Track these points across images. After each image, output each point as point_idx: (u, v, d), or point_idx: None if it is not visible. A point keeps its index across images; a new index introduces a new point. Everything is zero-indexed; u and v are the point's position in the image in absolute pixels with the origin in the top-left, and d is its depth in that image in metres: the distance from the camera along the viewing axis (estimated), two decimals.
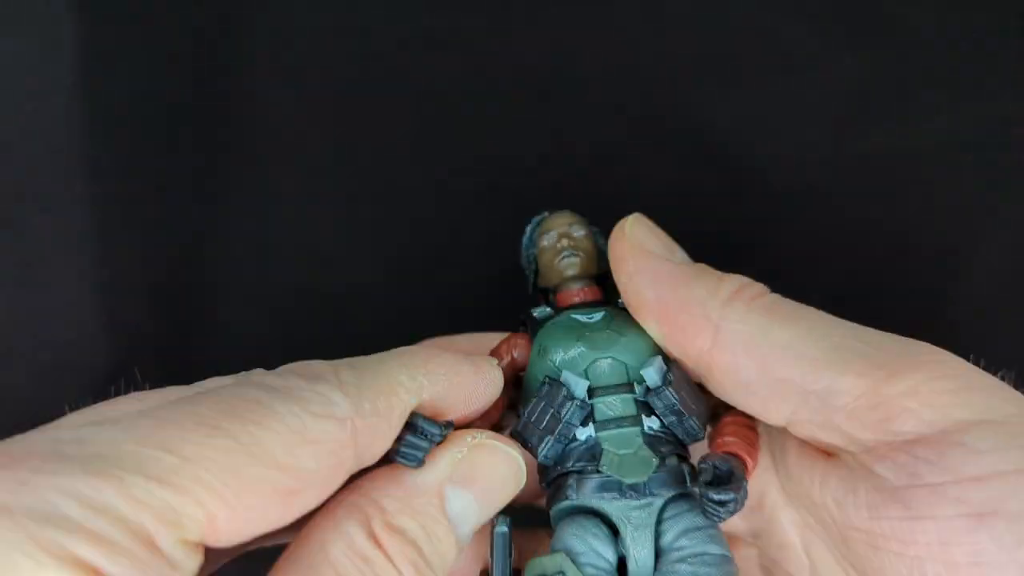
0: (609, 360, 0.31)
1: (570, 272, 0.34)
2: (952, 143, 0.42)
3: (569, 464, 0.30)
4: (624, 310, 0.32)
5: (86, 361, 0.40)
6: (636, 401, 0.31)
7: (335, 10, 0.33)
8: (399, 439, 0.27)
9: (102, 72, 0.40)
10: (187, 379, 0.41)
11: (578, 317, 0.32)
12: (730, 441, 0.30)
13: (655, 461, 0.29)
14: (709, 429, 0.32)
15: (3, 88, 0.39)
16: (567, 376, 0.31)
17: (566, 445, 0.30)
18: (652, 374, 0.30)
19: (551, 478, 0.30)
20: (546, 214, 0.36)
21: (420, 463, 0.27)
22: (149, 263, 0.41)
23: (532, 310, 0.34)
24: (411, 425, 0.27)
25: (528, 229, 0.36)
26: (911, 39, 0.38)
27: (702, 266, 0.31)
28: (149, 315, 0.40)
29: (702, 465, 0.29)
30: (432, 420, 0.28)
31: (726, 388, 0.30)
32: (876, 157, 0.42)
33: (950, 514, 0.25)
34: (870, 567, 0.28)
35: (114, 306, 0.40)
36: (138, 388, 0.40)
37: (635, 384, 0.31)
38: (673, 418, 0.30)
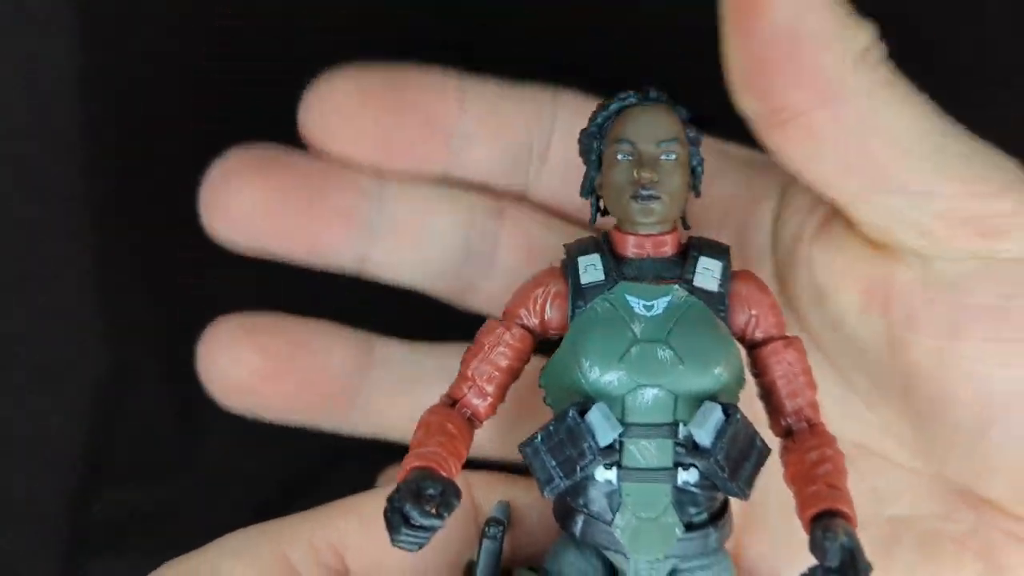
0: (656, 391, 0.25)
1: (642, 220, 0.26)
2: None
3: (580, 501, 0.26)
4: (698, 292, 0.25)
5: (86, 361, 0.40)
6: (676, 447, 0.25)
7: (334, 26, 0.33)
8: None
9: (102, 72, 0.40)
10: (186, 379, 0.41)
11: (632, 303, 0.25)
12: (825, 493, 0.24)
13: (678, 531, 0.25)
14: (779, 443, 0.27)
15: (3, 88, 0.39)
16: (595, 418, 0.24)
17: (579, 481, 0.25)
18: (703, 436, 0.24)
19: (556, 492, 0.25)
20: (632, 100, 0.26)
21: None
22: (149, 263, 0.40)
23: (578, 257, 0.26)
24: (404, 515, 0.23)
25: (599, 115, 0.26)
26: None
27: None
28: (149, 315, 0.40)
29: (828, 545, 0.22)
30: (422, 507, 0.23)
31: (798, 152, 0.25)
32: None
33: None
34: (926, 375, 0.27)
35: (114, 306, 0.40)
36: (138, 388, 0.40)
37: (680, 423, 0.25)
38: (717, 481, 0.25)
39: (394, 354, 0.32)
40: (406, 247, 0.31)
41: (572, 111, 0.31)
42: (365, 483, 0.39)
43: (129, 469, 0.40)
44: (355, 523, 0.29)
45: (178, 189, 0.40)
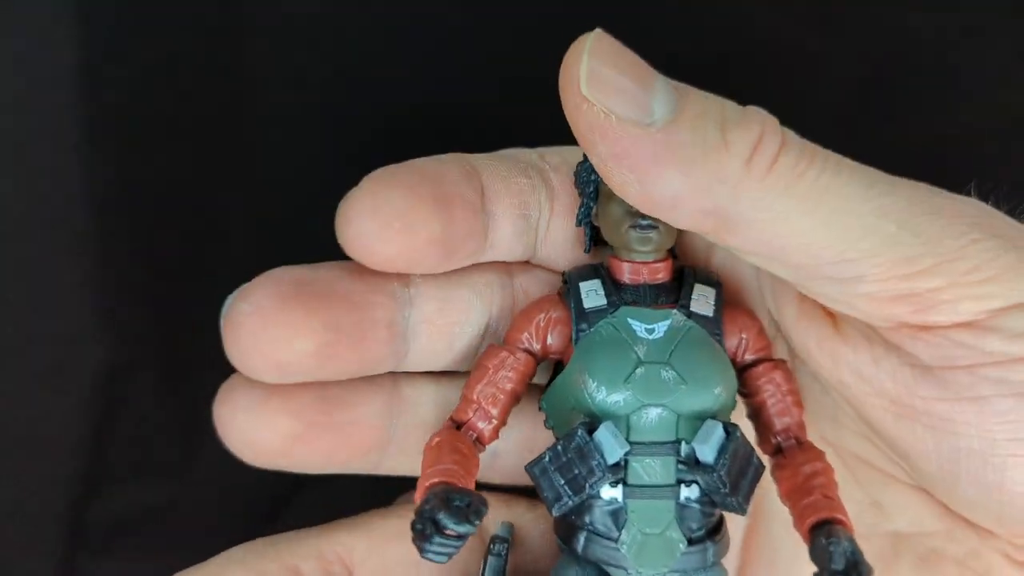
0: (660, 410, 0.25)
1: (640, 248, 0.27)
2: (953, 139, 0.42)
3: (585, 519, 0.26)
4: (695, 316, 0.27)
5: (86, 361, 0.40)
6: (678, 464, 0.26)
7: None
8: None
9: (102, 72, 0.40)
10: (187, 380, 0.41)
11: (635, 327, 0.26)
12: (823, 503, 0.25)
13: (682, 546, 0.26)
14: (770, 462, 0.28)
15: (3, 88, 0.39)
16: (603, 436, 0.25)
17: (585, 500, 0.26)
18: (706, 452, 0.25)
19: (564, 510, 0.26)
20: None
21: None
22: (149, 263, 0.40)
23: (579, 283, 0.28)
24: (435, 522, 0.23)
25: None
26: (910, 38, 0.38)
27: (697, 120, 0.24)
28: (149, 315, 0.40)
29: (832, 549, 0.24)
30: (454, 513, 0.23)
31: (735, 252, 0.26)
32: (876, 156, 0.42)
33: (990, 394, 0.25)
34: (885, 428, 0.27)
35: (114, 306, 0.40)
36: (138, 388, 0.40)
37: (682, 442, 0.26)
38: (716, 497, 0.26)
39: (421, 393, 0.30)
40: (438, 343, 0.29)
41: (556, 167, 0.30)
42: (365, 483, 0.39)
43: (129, 469, 0.40)
44: (364, 539, 0.29)
45: (178, 189, 0.41)
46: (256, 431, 0.28)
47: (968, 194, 0.27)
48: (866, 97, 0.42)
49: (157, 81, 0.40)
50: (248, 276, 0.41)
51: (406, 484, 0.34)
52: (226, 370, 0.38)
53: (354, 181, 0.34)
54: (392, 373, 0.30)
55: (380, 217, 0.26)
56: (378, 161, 0.31)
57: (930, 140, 0.42)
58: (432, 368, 0.30)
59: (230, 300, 0.28)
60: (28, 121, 0.40)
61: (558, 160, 0.30)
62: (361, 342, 0.27)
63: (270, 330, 0.27)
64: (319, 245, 0.41)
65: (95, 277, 0.40)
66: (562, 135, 0.30)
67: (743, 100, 0.26)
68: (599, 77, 0.23)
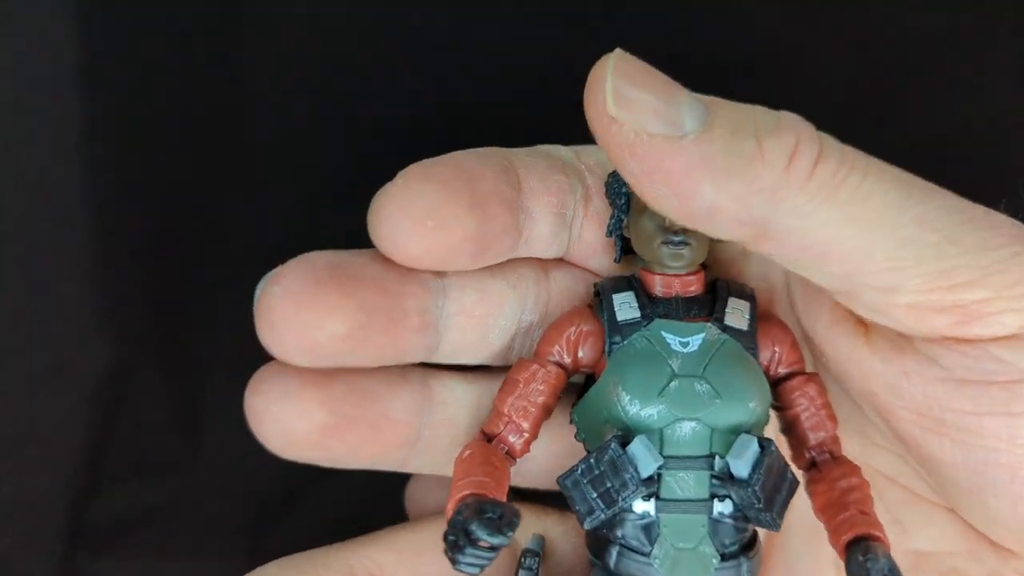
0: (694, 424, 0.25)
1: (672, 264, 0.27)
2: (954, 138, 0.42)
3: (616, 532, 0.26)
4: (730, 330, 0.27)
5: (86, 361, 0.40)
6: (712, 479, 0.25)
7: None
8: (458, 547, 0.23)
9: (102, 72, 0.40)
10: (187, 379, 0.41)
11: (669, 340, 0.26)
12: (859, 518, 0.25)
13: (715, 561, 0.26)
14: (804, 476, 0.28)
15: (3, 88, 0.39)
16: (637, 449, 0.25)
17: (617, 513, 0.26)
18: (741, 467, 0.25)
19: (596, 523, 0.26)
20: None
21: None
22: (149, 263, 0.40)
23: (612, 295, 0.27)
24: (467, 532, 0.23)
25: None
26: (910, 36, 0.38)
27: (730, 129, 0.23)
28: (149, 315, 0.40)
29: (870, 566, 0.24)
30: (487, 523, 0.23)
31: (771, 259, 0.26)
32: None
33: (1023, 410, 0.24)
34: (914, 439, 0.26)
35: (114, 306, 0.40)
36: (138, 388, 0.40)
37: (716, 456, 0.25)
38: (750, 512, 0.25)
39: (452, 391, 0.30)
40: (471, 334, 0.29)
41: (591, 168, 0.30)
42: (366, 482, 0.39)
43: (129, 469, 0.40)
44: (393, 554, 0.29)
45: (178, 189, 0.41)
46: (289, 421, 0.27)
47: (998, 208, 0.26)
48: (866, 97, 0.42)
49: (157, 81, 0.40)
50: (248, 276, 0.41)
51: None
52: (227, 370, 0.38)
53: (354, 181, 0.34)
54: (423, 369, 0.30)
55: (413, 213, 0.26)
56: (378, 161, 0.31)
57: (930, 140, 0.42)
58: (464, 361, 0.30)
59: (262, 284, 0.27)
60: (28, 121, 0.40)
61: (593, 161, 0.30)
62: (393, 328, 0.27)
63: (303, 312, 0.26)
64: (319, 246, 0.41)
65: (95, 277, 0.40)
66: (568, 137, 0.30)
67: (743, 100, 0.26)
68: (625, 96, 0.23)
